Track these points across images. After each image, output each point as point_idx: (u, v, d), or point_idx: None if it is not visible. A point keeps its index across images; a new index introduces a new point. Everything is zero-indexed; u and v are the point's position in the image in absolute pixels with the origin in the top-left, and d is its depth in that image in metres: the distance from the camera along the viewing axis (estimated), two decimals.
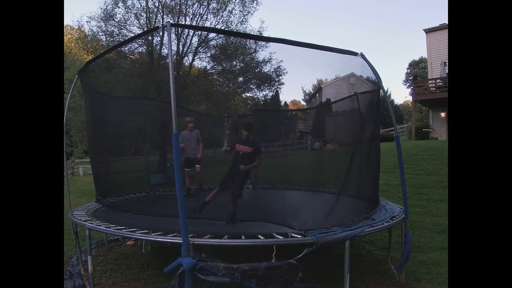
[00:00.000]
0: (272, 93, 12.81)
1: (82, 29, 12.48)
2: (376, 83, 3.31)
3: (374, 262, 3.55)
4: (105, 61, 8.29)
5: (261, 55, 11.68)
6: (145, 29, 10.69)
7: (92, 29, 11.48)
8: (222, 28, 11.33)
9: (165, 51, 10.25)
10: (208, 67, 12.01)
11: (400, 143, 3.21)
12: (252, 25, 18.38)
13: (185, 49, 11.14)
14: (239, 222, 2.99)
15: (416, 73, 28.48)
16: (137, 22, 10.97)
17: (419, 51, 62.83)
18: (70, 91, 4.30)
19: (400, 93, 78.47)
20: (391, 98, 28.68)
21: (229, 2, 11.33)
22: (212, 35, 11.07)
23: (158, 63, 10.65)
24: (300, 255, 2.23)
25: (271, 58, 11.61)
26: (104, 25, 10.97)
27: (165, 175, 6.75)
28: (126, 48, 10.50)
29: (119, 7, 10.97)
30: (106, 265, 3.52)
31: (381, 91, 3.37)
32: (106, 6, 10.83)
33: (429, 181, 7.08)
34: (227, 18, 11.55)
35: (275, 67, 11.88)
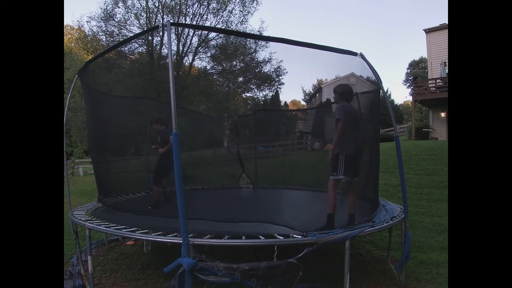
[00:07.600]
0: (272, 93, 12.84)
1: (82, 29, 12.53)
2: (376, 83, 3.31)
3: (374, 262, 3.55)
4: (105, 61, 8.31)
5: (261, 55, 11.73)
6: (145, 29, 10.70)
7: (92, 29, 11.53)
8: (222, 28, 11.33)
9: (165, 51, 10.27)
10: (208, 67, 12.03)
11: (399, 144, 3.21)
12: (252, 25, 18.38)
13: (185, 49, 11.17)
14: (240, 223, 2.98)
15: (416, 73, 28.50)
16: (137, 22, 11.00)
17: (419, 51, 62.90)
18: (70, 91, 4.30)
19: (400, 93, 78.69)
20: (391, 98, 28.70)
21: (229, 2, 11.35)
22: (212, 35, 11.11)
23: (158, 63, 10.67)
24: (300, 254, 2.23)
25: (271, 58, 11.67)
26: (104, 25, 11.01)
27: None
28: (126, 48, 10.54)
29: (119, 7, 11.01)
30: (106, 265, 3.52)
31: (380, 91, 3.36)
32: (106, 6, 10.88)
33: (429, 181, 7.08)
34: (227, 18, 11.59)
35: (275, 67, 11.93)
